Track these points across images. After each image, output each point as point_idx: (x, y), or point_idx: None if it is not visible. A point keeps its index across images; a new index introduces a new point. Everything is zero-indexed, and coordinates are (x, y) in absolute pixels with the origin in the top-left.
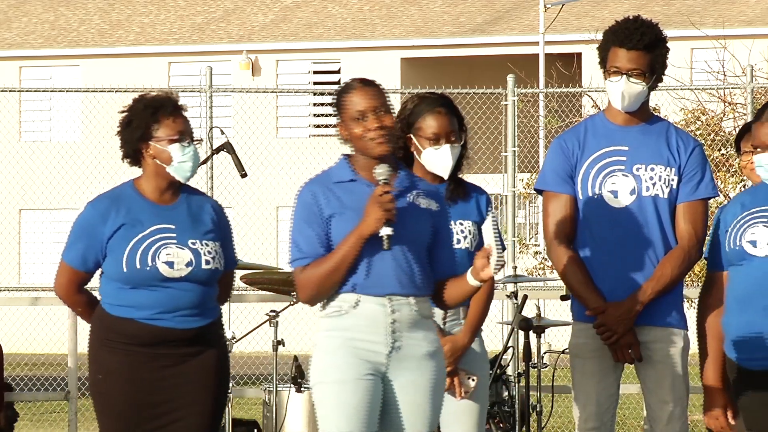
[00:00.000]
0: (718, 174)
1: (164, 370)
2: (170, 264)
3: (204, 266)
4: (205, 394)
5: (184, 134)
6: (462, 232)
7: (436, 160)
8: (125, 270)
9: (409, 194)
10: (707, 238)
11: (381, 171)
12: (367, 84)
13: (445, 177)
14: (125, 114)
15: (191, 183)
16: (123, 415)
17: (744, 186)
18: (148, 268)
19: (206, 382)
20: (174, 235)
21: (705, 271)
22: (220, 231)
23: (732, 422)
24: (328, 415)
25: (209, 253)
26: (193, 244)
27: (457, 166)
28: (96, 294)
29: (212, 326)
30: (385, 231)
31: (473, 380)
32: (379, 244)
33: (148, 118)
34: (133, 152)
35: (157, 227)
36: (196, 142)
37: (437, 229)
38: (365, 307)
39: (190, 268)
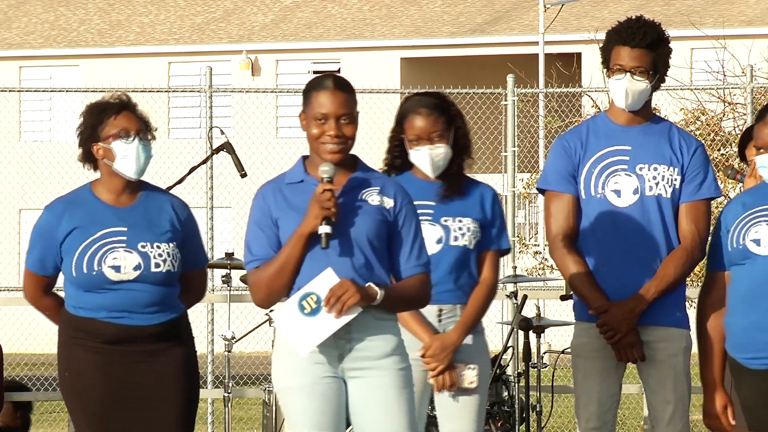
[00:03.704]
0: (717, 174)
1: (134, 367)
2: (117, 268)
3: (153, 269)
4: (174, 390)
5: (129, 131)
6: (460, 229)
7: (418, 160)
8: (74, 274)
9: (362, 192)
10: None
11: (325, 169)
12: (339, 88)
13: (432, 176)
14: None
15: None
16: (96, 413)
17: (743, 187)
18: (94, 273)
19: (175, 378)
20: (124, 238)
21: (705, 272)
22: (182, 232)
23: (732, 422)
24: (294, 420)
25: (160, 255)
26: (143, 247)
27: (455, 164)
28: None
29: (177, 323)
30: (323, 229)
31: (472, 368)
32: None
33: (94, 120)
34: (87, 156)
35: (107, 231)
36: (149, 139)
37: (393, 227)
38: None
39: (138, 272)
